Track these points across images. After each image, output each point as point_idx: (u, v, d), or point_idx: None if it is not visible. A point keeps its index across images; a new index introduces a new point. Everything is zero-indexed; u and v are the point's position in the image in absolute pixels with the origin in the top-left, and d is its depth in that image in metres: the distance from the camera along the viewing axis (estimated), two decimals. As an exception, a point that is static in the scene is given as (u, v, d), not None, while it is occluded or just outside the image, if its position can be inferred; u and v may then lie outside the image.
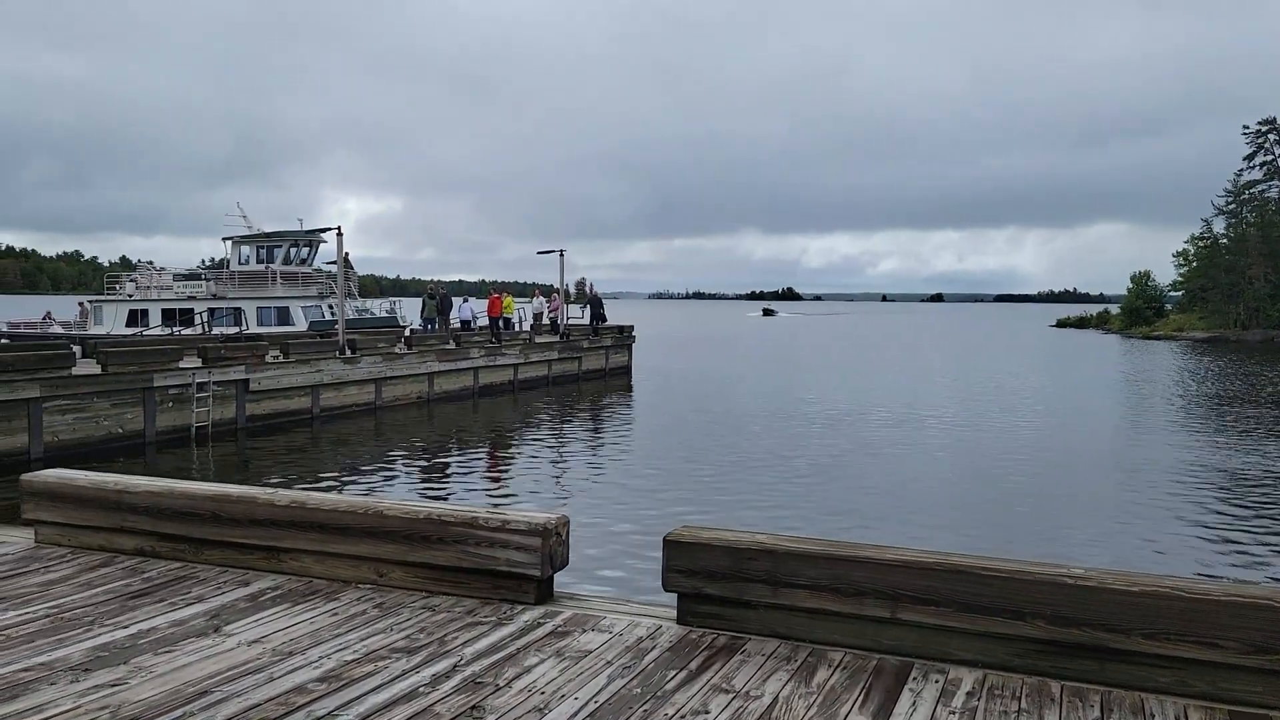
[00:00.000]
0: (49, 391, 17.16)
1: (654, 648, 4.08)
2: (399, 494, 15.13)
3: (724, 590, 4.22)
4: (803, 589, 4.08)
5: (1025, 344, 71.48)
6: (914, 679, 3.74)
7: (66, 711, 3.40)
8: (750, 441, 20.84)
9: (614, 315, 40.82)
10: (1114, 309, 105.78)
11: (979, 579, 3.80)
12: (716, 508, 14.06)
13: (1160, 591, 3.56)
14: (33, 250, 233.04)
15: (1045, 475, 17.80)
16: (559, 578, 4.85)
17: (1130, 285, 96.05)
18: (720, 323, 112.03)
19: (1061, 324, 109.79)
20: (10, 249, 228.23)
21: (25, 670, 3.80)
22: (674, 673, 3.81)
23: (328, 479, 16.43)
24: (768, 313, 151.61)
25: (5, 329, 35.55)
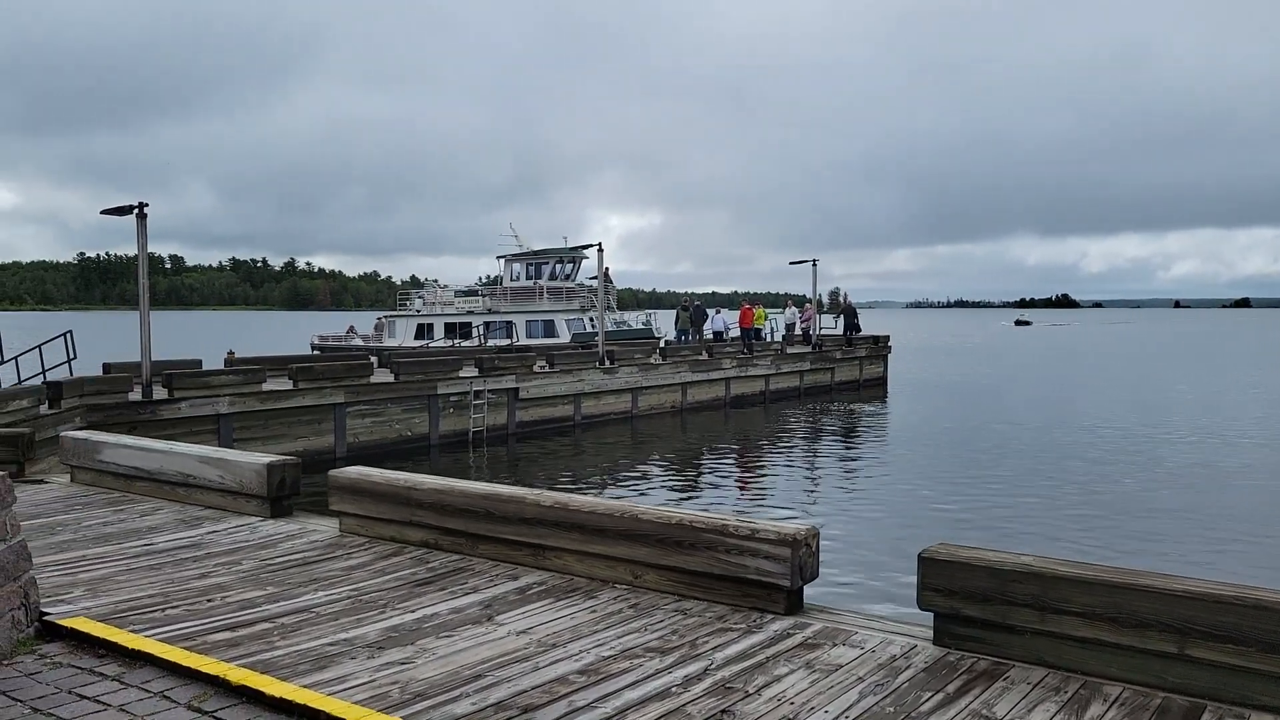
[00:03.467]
0: (351, 398, 19.26)
1: (908, 667, 3.95)
2: (652, 499, 15.57)
3: (985, 613, 4.01)
4: (1075, 616, 3.79)
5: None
6: (1207, 724, 3.37)
7: (364, 684, 3.81)
8: (1011, 458, 19.57)
9: (869, 325, 39.77)
10: None
11: (1288, 618, 3.37)
12: (972, 526, 13.32)
13: None
14: (339, 271, 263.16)
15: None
16: (807, 589, 4.82)
17: None
18: (970, 333, 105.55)
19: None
20: (321, 271, 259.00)
21: (331, 645, 4.29)
22: (929, 695, 3.67)
23: (587, 483, 17.23)
24: (1020, 323, 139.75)
25: (316, 341, 40.25)
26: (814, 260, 33.06)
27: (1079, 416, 27.02)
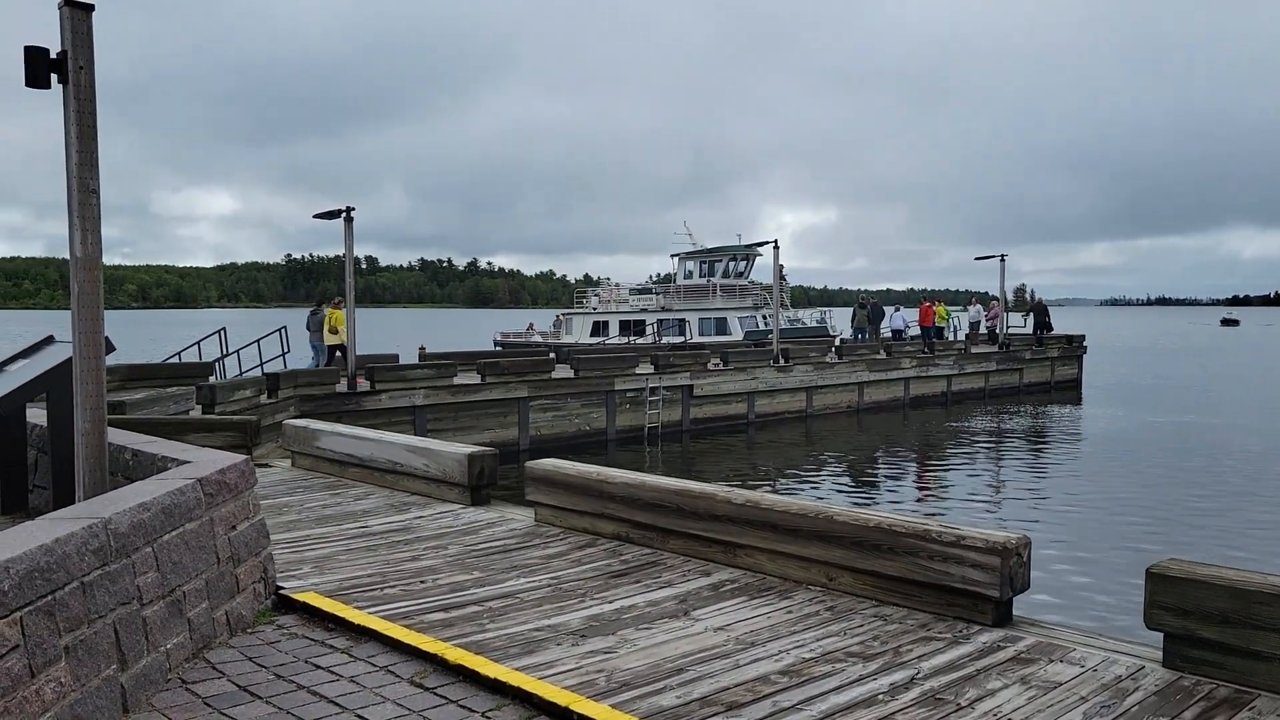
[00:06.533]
0: (534, 392, 19.94)
1: (1136, 689, 3.70)
2: (828, 501, 15.27)
3: (1224, 636, 3.70)
4: (1334, 646, 3.44)
5: None
6: None
7: (571, 670, 3.93)
8: (1227, 470, 17.97)
9: (1060, 324, 37.54)
10: None
11: None
12: (1180, 539, 12.31)
13: None
14: (518, 270, 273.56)
15: None
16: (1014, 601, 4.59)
17: None
18: (1171, 333, 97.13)
19: None
20: (501, 270, 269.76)
21: (537, 630, 4.45)
22: (1163, 721, 3.42)
23: (763, 482, 17.11)
24: (1227, 321, 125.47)
25: (499, 338, 41.94)
26: (1002, 255, 31.53)
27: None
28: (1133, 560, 10.76)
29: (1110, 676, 3.83)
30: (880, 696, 3.65)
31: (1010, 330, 34.05)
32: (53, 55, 4.56)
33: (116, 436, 5.83)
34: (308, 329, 20.50)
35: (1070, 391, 32.89)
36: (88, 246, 4.62)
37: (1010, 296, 36.68)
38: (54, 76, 4.56)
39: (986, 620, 4.46)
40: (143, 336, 64.30)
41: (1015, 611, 4.60)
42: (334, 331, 20.18)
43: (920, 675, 3.87)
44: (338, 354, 20.12)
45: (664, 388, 21.98)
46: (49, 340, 7.11)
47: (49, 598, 3.08)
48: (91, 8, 4.57)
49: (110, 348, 5.10)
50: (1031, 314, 34.95)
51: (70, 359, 5.00)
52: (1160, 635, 3.93)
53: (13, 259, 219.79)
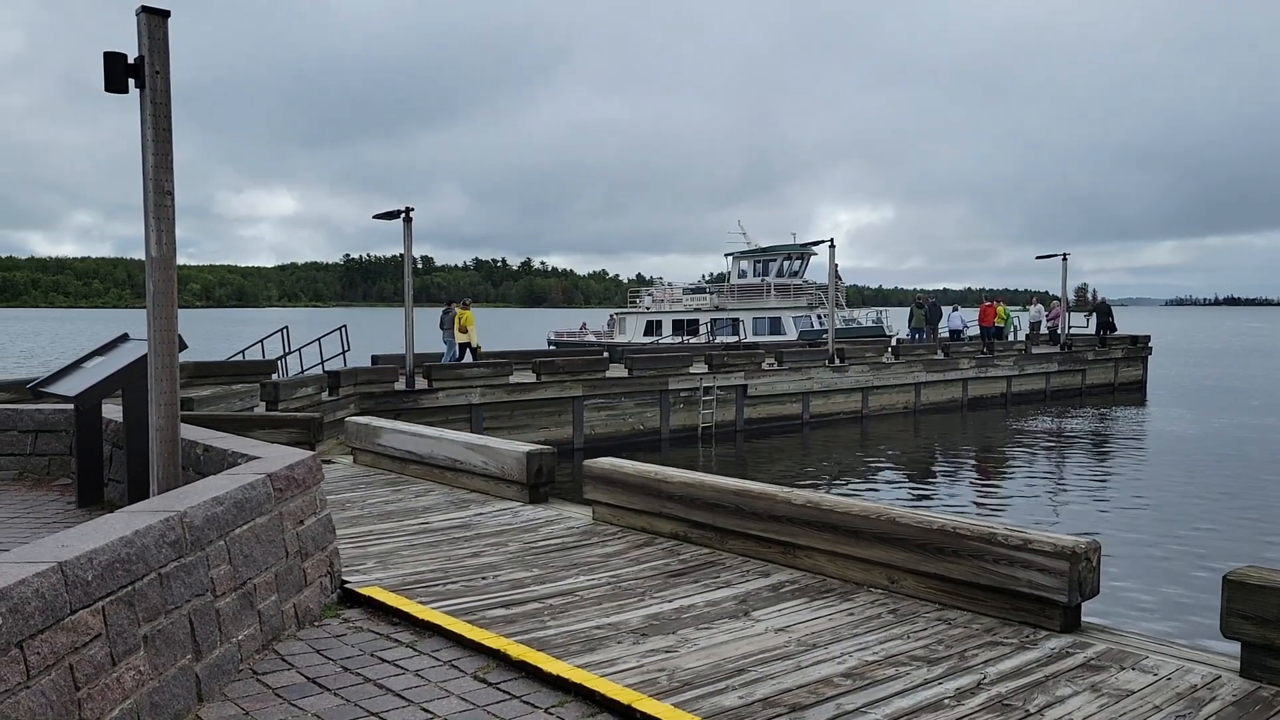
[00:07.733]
0: (589, 391, 20.04)
1: (1212, 699, 3.60)
2: (887, 502, 15.06)
3: (1307, 647, 3.58)
4: None
5: None
6: None
7: (632, 668, 3.94)
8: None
9: (1124, 324, 36.63)
10: None
11: None
12: (1260, 547, 11.92)
13: None
14: (570, 270, 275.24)
15: None
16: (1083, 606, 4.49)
17: None
18: (1241, 334, 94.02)
19: None
20: (554, 270, 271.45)
21: (597, 628, 4.47)
22: (1242, 733, 3.32)
23: (818, 483, 16.97)
24: None
25: (553, 337, 42.19)
26: (1064, 254, 30.87)
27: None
28: (1204, 566, 10.47)
29: (1185, 685, 3.73)
30: (946, 701, 3.60)
31: (1072, 330, 33.33)
32: (130, 61, 4.70)
33: (188, 432, 5.98)
34: (440, 327, 22.24)
35: (1135, 393, 32.07)
36: (162, 247, 4.75)
37: (1072, 296, 35.93)
38: (131, 81, 4.70)
39: (1054, 626, 4.37)
40: (206, 335, 65.90)
41: (1083, 617, 4.51)
42: (464, 330, 22.12)
43: (987, 680, 3.81)
44: (471, 349, 22.17)
45: (718, 387, 21.92)
46: (124, 338, 7.32)
47: (129, 588, 3.18)
48: (167, 14, 4.70)
49: (183, 345, 5.24)
50: (1094, 314, 34.20)
51: (145, 356, 5.15)
52: (1237, 644, 3.82)
53: (84, 259, 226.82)
